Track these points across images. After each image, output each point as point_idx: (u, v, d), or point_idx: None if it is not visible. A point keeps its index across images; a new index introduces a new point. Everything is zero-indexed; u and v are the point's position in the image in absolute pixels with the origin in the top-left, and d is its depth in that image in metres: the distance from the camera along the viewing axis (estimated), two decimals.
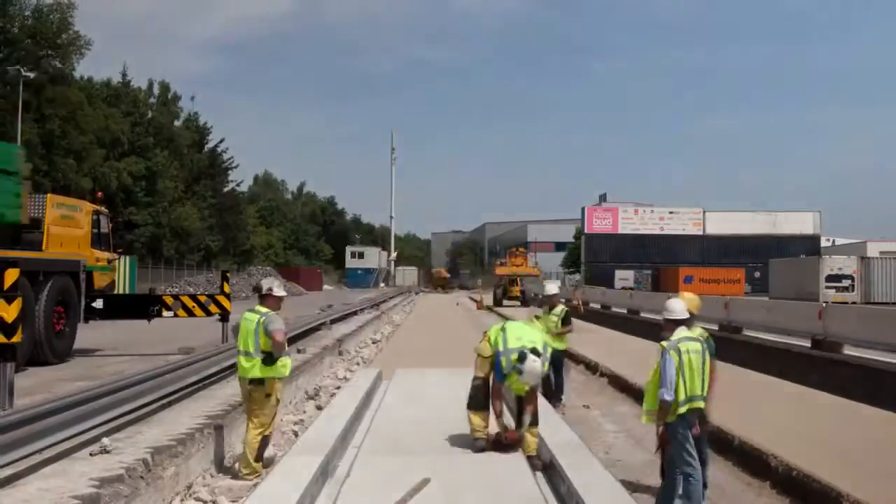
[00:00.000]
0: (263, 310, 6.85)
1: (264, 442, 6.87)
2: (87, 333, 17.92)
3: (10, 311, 8.02)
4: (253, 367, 6.74)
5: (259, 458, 6.80)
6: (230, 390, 9.44)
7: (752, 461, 7.31)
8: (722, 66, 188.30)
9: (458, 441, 7.16)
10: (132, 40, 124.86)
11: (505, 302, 37.23)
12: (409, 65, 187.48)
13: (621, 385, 12.25)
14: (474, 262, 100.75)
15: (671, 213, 65.48)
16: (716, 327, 17.49)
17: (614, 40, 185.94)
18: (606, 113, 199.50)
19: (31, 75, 37.62)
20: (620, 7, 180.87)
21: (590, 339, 19.53)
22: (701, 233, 64.15)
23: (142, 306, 15.02)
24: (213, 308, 14.67)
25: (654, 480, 7.07)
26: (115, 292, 17.37)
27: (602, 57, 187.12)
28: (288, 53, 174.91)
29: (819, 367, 12.26)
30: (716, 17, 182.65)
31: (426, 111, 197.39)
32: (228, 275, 16.12)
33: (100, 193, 18.58)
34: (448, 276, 77.88)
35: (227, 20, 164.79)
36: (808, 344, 13.36)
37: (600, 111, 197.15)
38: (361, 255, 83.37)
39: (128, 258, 35.53)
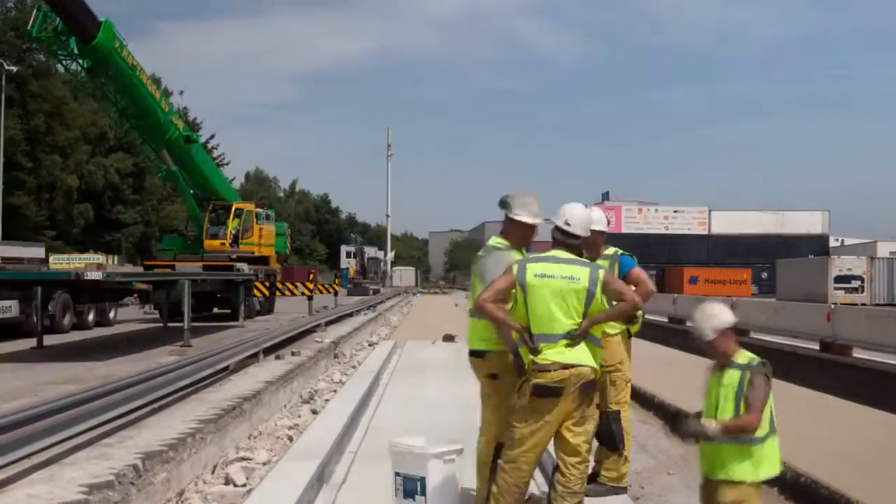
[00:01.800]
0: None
1: None
2: (77, 334, 17.97)
3: None
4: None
5: None
6: (223, 394, 9.48)
7: None
8: (727, 69, 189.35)
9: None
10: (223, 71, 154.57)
11: None
12: (475, 92, 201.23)
13: None
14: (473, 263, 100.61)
15: (676, 212, 65.59)
16: None
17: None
18: (609, 113, 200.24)
19: (15, 69, 37.57)
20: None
21: None
22: (706, 232, 64.28)
23: None
24: None
25: (658, 486, 7.12)
26: None
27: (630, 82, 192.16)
28: (361, 84, 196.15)
29: (827, 370, 12.32)
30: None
31: (427, 113, 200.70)
32: None
33: None
34: None
35: (314, 57, 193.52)
36: (816, 346, 13.41)
37: (603, 111, 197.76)
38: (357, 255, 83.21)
39: (116, 257, 35.57)
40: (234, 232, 24.87)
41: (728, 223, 64.47)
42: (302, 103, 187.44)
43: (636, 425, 9.93)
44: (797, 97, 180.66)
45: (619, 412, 5.68)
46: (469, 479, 5.34)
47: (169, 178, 24.36)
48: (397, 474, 5.14)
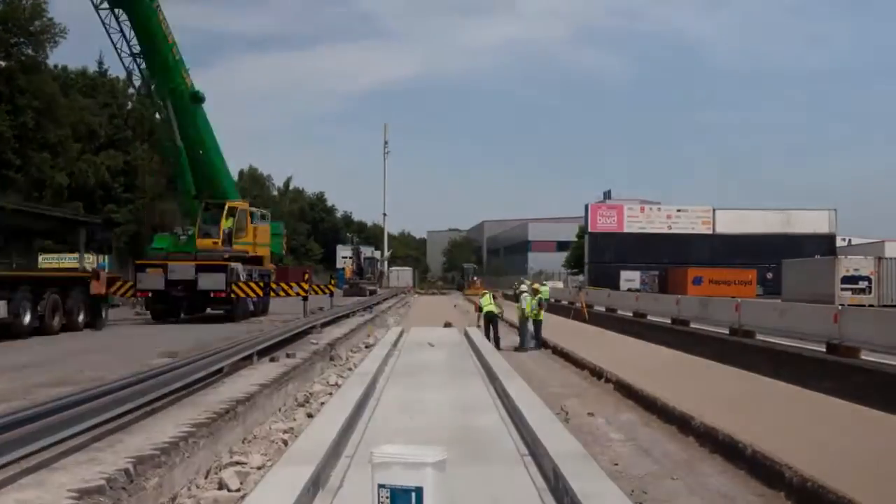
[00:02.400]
0: None
1: None
2: (66, 336, 17.96)
3: None
4: None
5: None
6: (216, 397, 9.47)
7: (765, 471, 7.34)
8: (731, 65, 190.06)
9: (457, 450, 7.18)
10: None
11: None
12: (513, 103, 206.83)
13: (627, 391, 12.29)
14: (473, 263, 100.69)
15: (679, 210, 65.55)
16: (726, 331, 17.57)
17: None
18: (611, 110, 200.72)
19: (3, 64, 37.50)
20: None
21: (594, 344, 19.57)
22: (710, 232, 64.23)
23: None
24: None
25: (662, 491, 7.12)
26: None
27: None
28: (405, 100, 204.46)
29: (834, 372, 12.31)
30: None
31: (429, 112, 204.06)
32: None
33: None
34: None
35: (373, 80, 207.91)
36: (822, 349, 13.42)
37: (605, 108, 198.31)
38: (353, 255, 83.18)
39: (106, 258, 35.50)
40: (227, 231, 24.90)
41: (732, 222, 64.43)
42: (339, 118, 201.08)
43: (639, 429, 9.96)
44: (805, 105, 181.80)
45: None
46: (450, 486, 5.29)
47: (171, 154, 24.66)
48: (381, 486, 4.90)
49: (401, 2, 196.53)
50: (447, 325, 24.50)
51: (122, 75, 61.58)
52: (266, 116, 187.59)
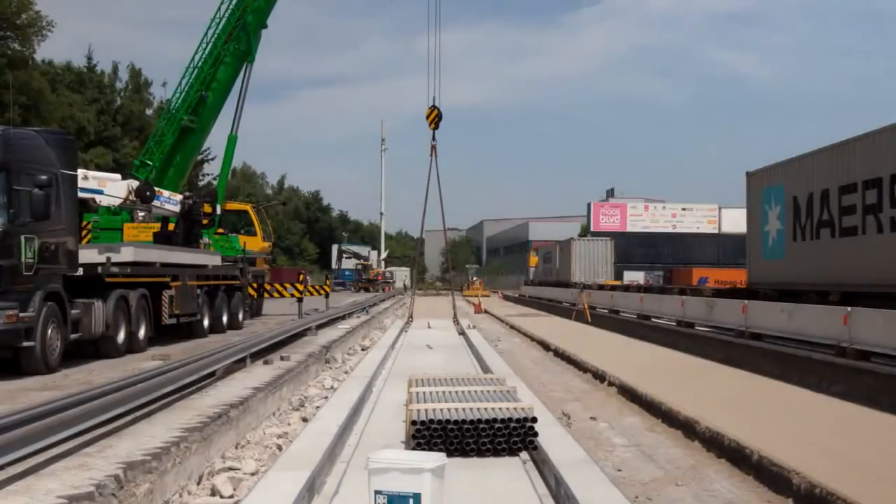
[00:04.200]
0: None
1: None
2: None
3: None
4: None
5: None
6: (209, 401, 9.47)
7: (772, 477, 7.36)
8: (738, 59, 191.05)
9: (455, 453, 7.19)
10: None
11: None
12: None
13: (630, 395, 12.31)
14: (472, 262, 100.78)
15: (684, 209, 65.64)
16: (733, 333, 17.58)
17: None
18: (612, 105, 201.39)
19: None
20: None
21: (597, 346, 19.60)
22: (716, 231, 64.31)
23: None
24: None
25: (666, 498, 7.13)
26: None
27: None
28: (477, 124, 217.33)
29: (844, 375, 12.33)
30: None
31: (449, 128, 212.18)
32: None
33: None
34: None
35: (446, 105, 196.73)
36: (832, 351, 13.43)
37: (605, 104, 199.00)
38: (349, 256, 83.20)
39: None
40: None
41: (739, 221, 64.13)
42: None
43: (643, 434, 9.97)
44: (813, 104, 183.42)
45: None
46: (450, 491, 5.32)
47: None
48: (378, 492, 4.93)
49: (460, 46, 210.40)
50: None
51: (110, 69, 61.89)
52: (309, 135, 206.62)
